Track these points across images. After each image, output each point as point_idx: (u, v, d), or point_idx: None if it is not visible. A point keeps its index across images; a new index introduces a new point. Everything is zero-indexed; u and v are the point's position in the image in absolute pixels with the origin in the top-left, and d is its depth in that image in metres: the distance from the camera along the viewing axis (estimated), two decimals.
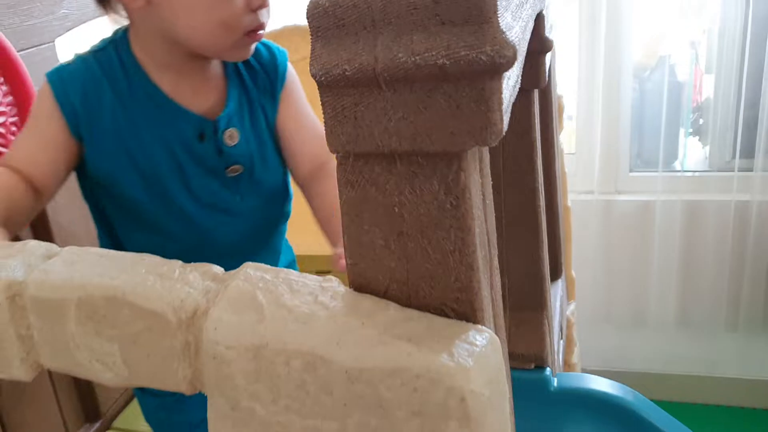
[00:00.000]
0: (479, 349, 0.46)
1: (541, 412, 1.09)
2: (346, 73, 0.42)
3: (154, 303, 0.48)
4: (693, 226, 2.05)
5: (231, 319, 0.47)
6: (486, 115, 0.41)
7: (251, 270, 0.51)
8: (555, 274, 1.52)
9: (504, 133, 0.43)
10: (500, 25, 0.40)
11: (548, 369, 1.09)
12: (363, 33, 0.41)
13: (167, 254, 0.53)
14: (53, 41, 1.11)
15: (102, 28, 0.95)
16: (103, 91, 0.85)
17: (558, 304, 1.44)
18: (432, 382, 0.44)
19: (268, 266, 0.51)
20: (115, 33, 0.90)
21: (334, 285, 0.50)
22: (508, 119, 0.46)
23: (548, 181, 1.44)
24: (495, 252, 0.54)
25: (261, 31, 0.85)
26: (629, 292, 2.18)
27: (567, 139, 2.27)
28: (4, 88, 0.96)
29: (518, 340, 1.09)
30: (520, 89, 0.96)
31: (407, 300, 0.49)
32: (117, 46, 0.88)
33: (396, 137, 0.45)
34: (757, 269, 2.02)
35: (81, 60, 0.87)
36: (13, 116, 0.98)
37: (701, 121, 2.26)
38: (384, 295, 0.50)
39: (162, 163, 0.87)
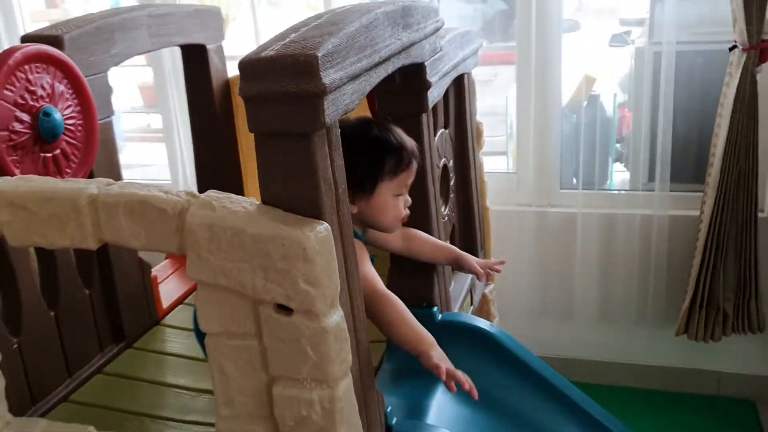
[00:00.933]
0: (317, 229, 0.94)
1: None
2: (254, 95, 0.92)
3: (163, 204, 0.98)
4: (608, 235, 2.51)
5: (199, 212, 0.96)
6: (316, 116, 0.91)
7: (212, 192, 1.00)
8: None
9: (326, 125, 0.92)
10: (321, 75, 0.89)
11: (436, 308, 1.56)
12: (262, 78, 0.91)
13: None
14: (107, 72, 1.62)
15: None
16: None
17: (469, 278, 1.90)
18: (292, 241, 0.93)
19: (220, 191, 1.00)
20: None
21: (252, 200, 0.99)
22: (338, 118, 0.95)
23: (465, 186, 1.92)
24: (342, 190, 1.03)
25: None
26: (559, 289, 2.64)
27: (511, 161, 2.75)
28: (75, 101, 1.46)
29: (415, 286, 1.57)
30: (411, 113, 1.44)
31: (289, 209, 0.98)
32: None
33: (281, 125, 0.94)
34: (659, 270, 2.47)
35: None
36: (80, 120, 1.48)
37: (625, 150, 2.74)
38: (277, 206, 0.98)
39: None
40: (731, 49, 2.11)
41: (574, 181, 2.69)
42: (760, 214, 2.26)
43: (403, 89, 1.41)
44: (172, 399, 1.55)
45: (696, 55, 2.34)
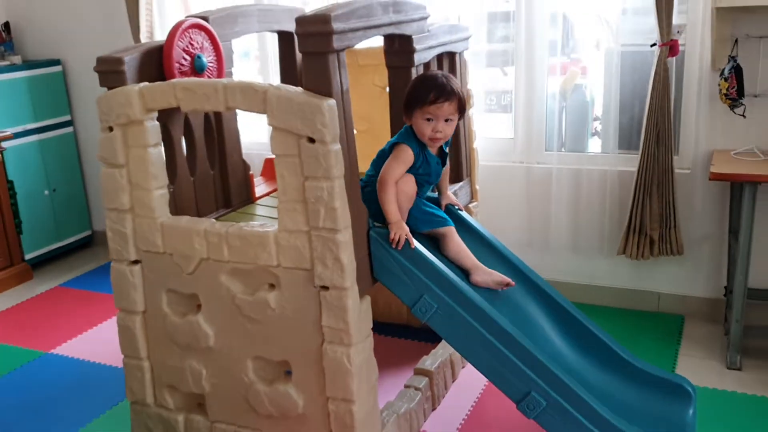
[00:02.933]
0: (328, 101, 1.97)
1: None
2: (302, 33, 1.95)
3: (257, 87, 2.02)
4: (576, 184, 3.42)
5: (273, 90, 2.00)
6: (330, 44, 1.93)
7: (279, 83, 2.03)
8: (458, 179, 2.96)
9: (337, 51, 1.95)
10: (332, 24, 1.92)
11: None
12: (306, 24, 1.94)
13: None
14: (230, 41, 2.70)
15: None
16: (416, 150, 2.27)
17: (452, 190, 2.88)
18: (316, 104, 1.96)
19: (284, 84, 2.04)
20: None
21: (299, 89, 2.02)
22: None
23: (456, 131, 2.90)
24: (346, 89, 2.04)
25: (438, 141, 2.28)
26: (540, 225, 3.56)
27: (510, 128, 3.70)
28: (214, 54, 2.54)
29: None
30: (403, 66, 2.47)
31: (317, 92, 2.00)
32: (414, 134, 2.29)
33: (313, 48, 1.97)
34: (612, 212, 3.36)
35: (410, 141, 2.25)
36: (215, 65, 2.55)
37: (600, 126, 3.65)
38: (312, 90, 2.00)
39: (427, 169, 2.32)
40: (652, 45, 3.03)
41: (563, 149, 3.61)
42: (677, 170, 3.14)
43: (398, 50, 2.43)
44: None
45: (639, 54, 3.25)
